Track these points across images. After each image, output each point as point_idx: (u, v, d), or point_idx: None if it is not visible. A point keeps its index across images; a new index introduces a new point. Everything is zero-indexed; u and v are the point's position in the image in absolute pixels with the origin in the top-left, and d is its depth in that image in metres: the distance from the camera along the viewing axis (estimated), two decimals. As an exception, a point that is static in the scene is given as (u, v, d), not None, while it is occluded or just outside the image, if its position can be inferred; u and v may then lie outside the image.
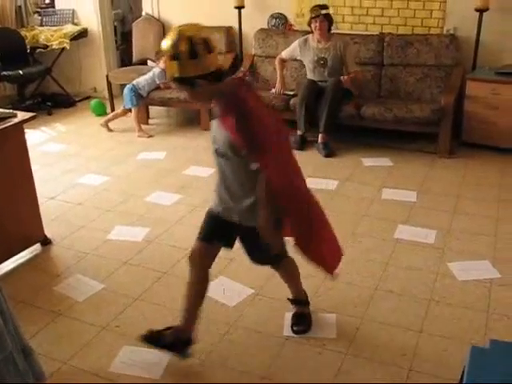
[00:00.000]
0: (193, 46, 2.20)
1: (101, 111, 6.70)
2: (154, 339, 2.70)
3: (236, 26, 6.40)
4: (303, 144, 5.45)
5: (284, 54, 5.73)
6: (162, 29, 6.79)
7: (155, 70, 6.08)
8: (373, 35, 5.85)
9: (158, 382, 2.62)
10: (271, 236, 2.44)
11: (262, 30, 6.26)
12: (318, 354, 2.76)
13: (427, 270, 3.44)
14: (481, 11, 5.39)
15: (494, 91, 5.22)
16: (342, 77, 5.37)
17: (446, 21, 5.68)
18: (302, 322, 2.94)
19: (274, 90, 5.73)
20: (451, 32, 5.66)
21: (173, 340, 2.67)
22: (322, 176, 4.83)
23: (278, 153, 2.36)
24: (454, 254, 3.61)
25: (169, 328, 2.74)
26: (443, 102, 5.15)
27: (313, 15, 5.38)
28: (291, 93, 5.66)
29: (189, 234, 3.82)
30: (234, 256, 3.56)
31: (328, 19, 5.41)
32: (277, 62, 5.79)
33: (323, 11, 5.35)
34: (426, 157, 5.23)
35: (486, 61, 5.57)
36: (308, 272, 3.37)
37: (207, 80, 2.27)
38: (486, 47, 5.55)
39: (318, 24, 5.36)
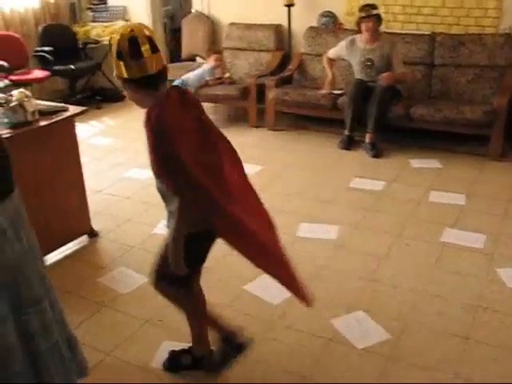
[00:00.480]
0: (127, 46, 2.00)
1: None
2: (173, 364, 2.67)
3: (286, 24, 6.37)
4: (350, 144, 5.40)
5: (331, 53, 5.67)
6: (212, 26, 6.83)
7: (205, 66, 6.13)
8: (424, 35, 5.74)
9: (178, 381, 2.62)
10: (174, 255, 2.23)
11: (311, 28, 6.22)
12: (360, 356, 2.73)
13: (475, 275, 3.35)
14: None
15: (550, 93, 5.07)
16: (382, 75, 5.26)
17: (501, 19, 5.53)
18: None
19: (323, 91, 5.65)
20: (507, 31, 5.50)
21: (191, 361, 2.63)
22: (368, 176, 4.78)
23: (198, 176, 2.08)
24: (504, 259, 3.51)
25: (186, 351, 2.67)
26: (496, 104, 5.02)
27: (363, 15, 5.30)
28: (339, 92, 5.61)
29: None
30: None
31: (378, 19, 5.33)
32: (325, 61, 5.72)
33: (374, 11, 5.27)
34: (476, 159, 5.11)
35: (542, 61, 5.42)
36: (354, 274, 3.36)
37: (136, 84, 2.09)
38: (542, 47, 5.39)
39: (369, 24, 5.29)
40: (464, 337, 2.83)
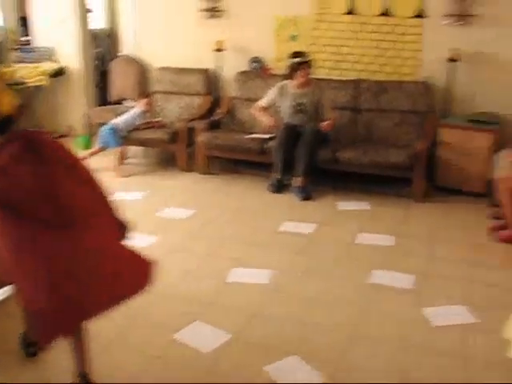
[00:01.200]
0: None
1: (88, 147, 6.58)
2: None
3: (215, 68, 6.48)
4: (280, 187, 5.49)
5: (264, 102, 5.74)
6: (141, 69, 6.85)
7: (135, 110, 6.11)
8: (349, 81, 5.97)
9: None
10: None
11: (241, 72, 6.36)
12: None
13: (403, 315, 3.44)
14: (453, 61, 5.56)
15: (467, 137, 5.34)
16: (322, 123, 5.43)
17: (420, 69, 5.84)
18: None
19: (254, 135, 5.73)
20: (425, 80, 5.80)
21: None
22: (298, 220, 4.85)
23: None
24: (430, 299, 3.63)
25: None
26: (417, 148, 5.24)
27: (300, 61, 5.45)
28: (268, 136, 5.70)
29: (166, 279, 3.80)
30: (210, 300, 3.56)
31: (311, 66, 5.52)
32: (256, 110, 5.77)
33: (308, 58, 5.46)
34: (402, 201, 5.30)
35: (458, 108, 5.74)
36: (287, 318, 3.38)
37: None
38: (458, 95, 5.72)
39: (305, 71, 5.45)
40: (397, 378, 2.88)
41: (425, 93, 5.73)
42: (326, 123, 5.42)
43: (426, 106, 5.74)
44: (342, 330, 3.29)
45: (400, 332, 3.27)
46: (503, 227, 4.62)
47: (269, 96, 5.70)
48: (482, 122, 5.41)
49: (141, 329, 3.27)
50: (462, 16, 5.54)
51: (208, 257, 4.17)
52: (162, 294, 3.53)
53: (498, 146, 5.25)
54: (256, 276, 3.88)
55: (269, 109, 5.76)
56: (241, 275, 3.89)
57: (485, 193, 5.32)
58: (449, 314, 3.45)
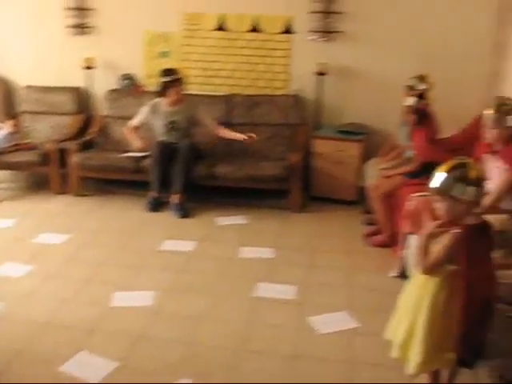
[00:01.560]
0: None
1: None
2: None
3: (86, 86, 6.29)
4: (158, 205, 5.40)
5: (135, 121, 5.62)
6: (7, 88, 6.50)
7: (2, 132, 5.78)
8: (221, 96, 6.02)
9: None
10: None
11: (113, 90, 6.21)
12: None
13: (290, 326, 3.49)
14: (321, 75, 5.77)
15: (338, 148, 5.56)
16: (243, 138, 5.44)
17: (290, 82, 6.00)
18: None
19: (129, 154, 5.61)
20: (296, 93, 5.97)
21: None
22: (178, 237, 4.79)
23: None
24: (314, 307, 3.71)
25: None
26: (292, 160, 5.36)
27: (169, 79, 5.38)
28: (142, 154, 5.60)
29: (44, 307, 3.63)
30: (93, 327, 3.42)
31: (183, 83, 5.47)
32: (128, 130, 5.65)
33: (179, 75, 5.41)
34: (280, 213, 5.40)
35: (328, 120, 5.96)
36: (173, 339, 3.31)
37: None
38: (327, 107, 5.93)
39: (177, 88, 5.40)
40: (284, 390, 2.91)
41: (296, 106, 5.90)
42: (245, 138, 5.43)
43: (298, 119, 5.91)
44: (228, 346, 3.27)
45: (287, 343, 3.31)
46: (376, 233, 4.84)
47: (141, 115, 5.60)
48: (350, 132, 5.65)
49: (24, 363, 3.07)
50: (327, 32, 5.77)
51: (88, 282, 4.00)
52: (45, 325, 3.39)
53: (367, 155, 5.51)
54: (139, 298, 3.78)
55: (141, 128, 5.66)
56: (123, 299, 3.77)
57: (357, 200, 5.55)
58: (333, 321, 3.54)
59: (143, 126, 5.66)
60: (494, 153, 3.82)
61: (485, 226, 2.54)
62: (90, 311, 3.60)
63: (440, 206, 2.53)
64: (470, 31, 5.57)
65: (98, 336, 3.34)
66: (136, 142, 5.53)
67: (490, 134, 3.79)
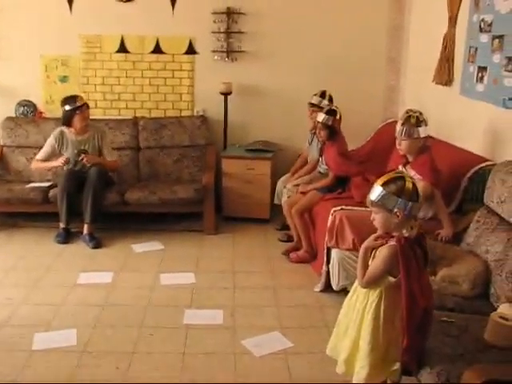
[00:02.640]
0: None
1: None
2: None
3: (-24, 116, 5.90)
4: (68, 237, 5.13)
5: (41, 156, 5.31)
6: None
7: None
8: (127, 119, 5.87)
9: None
10: None
11: (9, 118, 5.85)
12: None
13: (226, 352, 3.41)
14: (225, 94, 5.77)
15: (247, 166, 5.57)
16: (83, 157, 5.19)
17: (195, 103, 5.96)
18: None
19: (33, 184, 5.33)
20: (201, 113, 5.94)
21: None
22: (93, 269, 4.57)
23: None
24: (246, 330, 3.65)
25: None
26: (204, 181, 5.30)
27: (72, 107, 5.14)
28: (48, 184, 5.32)
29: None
30: (18, 376, 3.17)
31: (87, 108, 5.25)
32: (36, 165, 5.37)
33: (81, 102, 5.18)
34: (195, 236, 5.31)
35: (235, 139, 5.97)
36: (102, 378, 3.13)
37: None
38: (234, 126, 5.95)
39: (83, 115, 5.18)
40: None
41: (202, 126, 5.86)
42: (87, 157, 5.18)
43: (205, 139, 5.87)
44: (169, 379, 3.14)
45: (228, 371, 3.22)
46: (295, 249, 4.87)
47: (46, 148, 5.30)
48: (259, 150, 5.68)
49: None
50: (229, 52, 5.79)
51: (2, 327, 3.70)
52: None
53: (277, 173, 5.56)
54: (61, 339, 3.54)
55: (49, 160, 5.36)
56: (46, 340, 3.52)
57: (270, 218, 5.58)
58: (267, 342, 3.51)
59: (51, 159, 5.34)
60: (406, 164, 3.96)
61: (420, 238, 2.61)
62: (13, 357, 3.33)
63: (377, 219, 2.57)
64: (367, 48, 5.81)
65: (23, 384, 3.10)
66: (55, 162, 5.26)
67: (402, 146, 3.92)
